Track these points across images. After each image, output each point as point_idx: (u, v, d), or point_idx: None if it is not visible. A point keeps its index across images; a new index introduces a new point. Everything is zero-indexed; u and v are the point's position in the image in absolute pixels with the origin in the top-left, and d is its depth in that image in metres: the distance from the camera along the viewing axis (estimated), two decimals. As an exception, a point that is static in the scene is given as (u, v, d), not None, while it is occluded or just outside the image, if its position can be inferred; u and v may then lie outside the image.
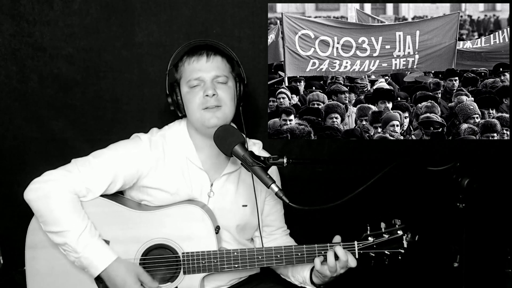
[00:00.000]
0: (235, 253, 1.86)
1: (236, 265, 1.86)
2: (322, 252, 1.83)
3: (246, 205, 2.02)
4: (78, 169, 1.84)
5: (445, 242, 1.95)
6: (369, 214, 1.88)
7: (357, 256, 1.82)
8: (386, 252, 1.81)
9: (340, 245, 1.82)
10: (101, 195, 1.88)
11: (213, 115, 1.88)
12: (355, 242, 1.83)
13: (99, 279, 1.82)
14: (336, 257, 1.80)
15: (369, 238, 1.82)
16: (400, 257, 1.82)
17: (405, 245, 1.81)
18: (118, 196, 1.97)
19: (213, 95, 1.87)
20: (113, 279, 1.78)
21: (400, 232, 1.81)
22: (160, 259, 1.87)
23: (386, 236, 1.81)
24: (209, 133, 1.89)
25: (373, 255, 1.82)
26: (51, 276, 1.87)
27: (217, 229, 1.91)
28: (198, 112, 1.89)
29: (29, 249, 1.89)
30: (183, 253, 1.86)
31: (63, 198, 1.78)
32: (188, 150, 1.96)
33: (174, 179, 1.93)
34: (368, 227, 1.84)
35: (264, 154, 2.07)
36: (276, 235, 2.17)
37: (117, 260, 1.79)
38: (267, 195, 2.09)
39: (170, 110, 1.99)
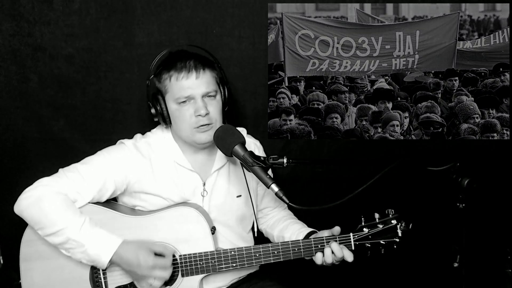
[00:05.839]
0: (232, 252, 1.86)
1: (234, 264, 1.86)
2: (319, 245, 1.83)
3: (240, 195, 2.03)
4: (66, 175, 1.84)
5: (445, 242, 1.95)
6: (369, 214, 1.88)
7: (353, 248, 1.82)
8: (382, 242, 1.82)
9: (336, 240, 1.82)
10: (95, 203, 1.88)
11: (205, 134, 1.88)
12: (351, 234, 1.83)
13: (98, 283, 1.82)
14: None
15: (364, 229, 1.83)
16: (395, 246, 1.83)
17: (400, 234, 1.81)
18: (111, 203, 1.97)
19: (206, 114, 1.85)
20: (126, 259, 1.76)
21: (394, 222, 1.81)
22: None
23: (380, 226, 1.82)
24: (199, 147, 1.93)
25: (369, 245, 1.82)
26: (47, 287, 1.86)
27: (213, 230, 1.91)
28: (189, 131, 1.88)
29: (23, 262, 1.88)
30: (180, 255, 1.86)
31: (55, 199, 1.77)
32: (175, 154, 1.96)
33: (165, 184, 1.93)
34: (363, 218, 1.84)
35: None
36: (274, 213, 2.21)
37: (125, 242, 1.78)
38: None
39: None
